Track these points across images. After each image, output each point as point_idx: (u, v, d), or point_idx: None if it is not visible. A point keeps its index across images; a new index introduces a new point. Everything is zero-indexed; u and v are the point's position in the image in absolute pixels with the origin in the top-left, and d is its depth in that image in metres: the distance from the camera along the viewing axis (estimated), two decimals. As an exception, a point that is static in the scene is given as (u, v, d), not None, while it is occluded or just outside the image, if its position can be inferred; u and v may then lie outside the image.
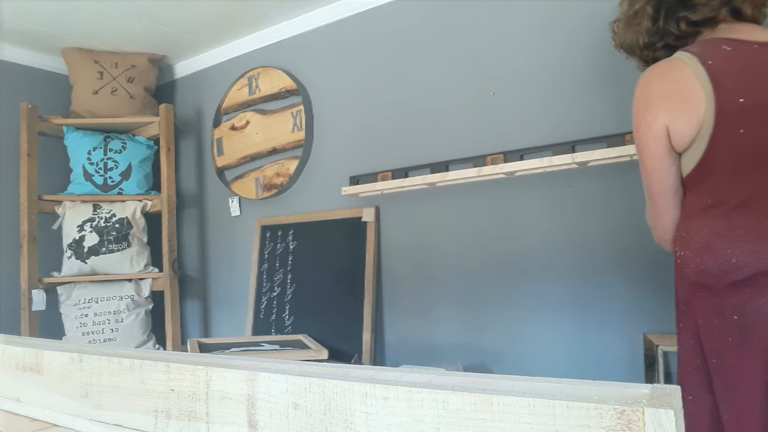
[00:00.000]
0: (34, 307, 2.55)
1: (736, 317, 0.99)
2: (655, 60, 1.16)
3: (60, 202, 2.74)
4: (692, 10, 1.10)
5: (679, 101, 1.04)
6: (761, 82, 1.00)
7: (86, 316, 2.63)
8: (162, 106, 2.84)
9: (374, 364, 2.26)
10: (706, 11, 1.09)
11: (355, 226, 2.40)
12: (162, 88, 3.24)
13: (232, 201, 2.92)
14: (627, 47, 1.23)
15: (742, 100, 0.99)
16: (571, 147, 1.87)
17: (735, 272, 0.99)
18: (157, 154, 2.92)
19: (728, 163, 1.02)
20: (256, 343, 2.22)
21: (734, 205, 1.02)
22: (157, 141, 2.88)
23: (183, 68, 3.19)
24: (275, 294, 2.64)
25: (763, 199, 1.00)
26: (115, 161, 2.82)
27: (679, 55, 1.07)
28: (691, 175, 1.07)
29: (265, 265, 2.71)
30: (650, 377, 1.68)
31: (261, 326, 2.66)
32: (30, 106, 2.66)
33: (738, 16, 1.10)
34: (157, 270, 2.80)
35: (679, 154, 1.09)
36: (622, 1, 1.22)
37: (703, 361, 1.05)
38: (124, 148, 2.85)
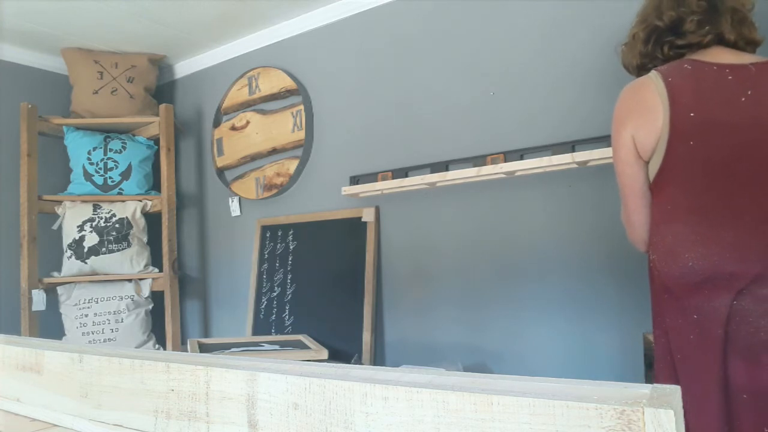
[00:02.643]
0: (34, 307, 2.55)
1: (696, 317, 1.09)
2: None
3: (60, 202, 2.74)
4: (679, 37, 1.21)
5: (641, 114, 1.16)
6: (711, 100, 1.11)
7: (86, 316, 2.63)
8: (162, 106, 2.84)
9: (374, 364, 2.26)
10: (693, 38, 1.19)
11: (355, 226, 2.40)
12: (162, 88, 3.24)
13: (232, 201, 2.92)
14: (626, 66, 1.36)
15: (692, 114, 1.10)
16: (571, 147, 1.87)
17: (692, 275, 1.09)
18: (157, 154, 2.92)
19: (682, 172, 1.13)
20: (256, 343, 2.22)
21: (689, 211, 1.12)
22: (157, 141, 2.88)
23: (183, 68, 3.19)
24: (275, 294, 2.64)
25: (712, 207, 1.10)
26: (115, 161, 2.82)
27: (651, 73, 1.19)
28: (655, 182, 1.18)
29: (265, 265, 2.71)
30: (650, 377, 1.68)
31: (261, 326, 2.66)
32: (30, 106, 2.66)
33: (722, 42, 1.19)
34: (157, 270, 2.80)
35: (647, 163, 1.20)
36: (632, 27, 1.33)
37: (671, 358, 1.15)
38: (124, 148, 2.85)
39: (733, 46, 1.19)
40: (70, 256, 2.68)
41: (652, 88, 1.15)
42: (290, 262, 2.61)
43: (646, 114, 1.15)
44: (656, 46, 1.24)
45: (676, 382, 1.10)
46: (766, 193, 1.07)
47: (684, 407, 1.11)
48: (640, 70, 1.30)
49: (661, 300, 1.17)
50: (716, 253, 1.08)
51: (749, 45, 1.21)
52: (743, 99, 1.09)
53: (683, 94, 1.11)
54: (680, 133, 1.11)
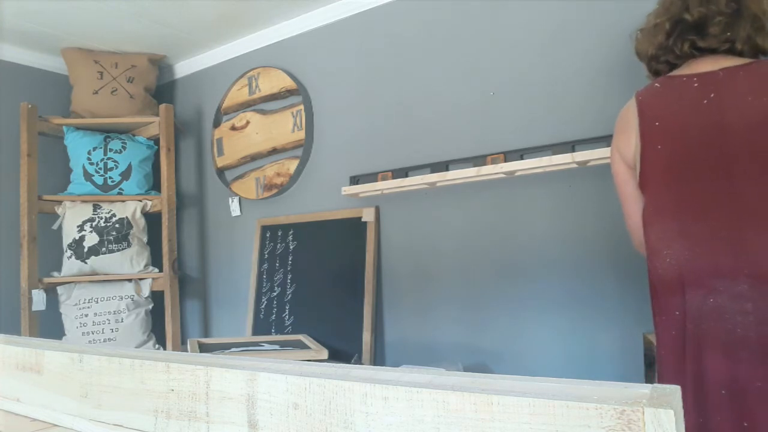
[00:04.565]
0: (34, 307, 2.55)
1: (677, 313, 1.14)
2: (657, 72, 1.33)
3: (60, 202, 2.74)
4: (701, 37, 1.21)
5: (622, 131, 1.28)
6: (675, 107, 1.19)
7: (86, 316, 2.63)
8: (162, 106, 2.84)
9: (374, 364, 2.26)
10: (713, 42, 1.19)
11: (355, 226, 2.40)
12: (162, 88, 3.24)
13: (232, 201, 2.92)
14: (639, 54, 1.37)
15: (657, 123, 1.20)
16: (571, 147, 1.87)
17: (670, 272, 1.15)
18: (157, 154, 2.92)
19: (654, 175, 1.21)
20: (256, 343, 2.22)
21: (664, 210, 1.19)
22: (157, 141, 2.88)
23: (183, 68, 3.19)
24: (275, 294, 2.64)
25: (682, 204, 1.16)
26: (115, 161, 2.82)
27: (633, 97, 1.29)
28: (639, 186, 1.26)
29: (265, 265, 2.71)
30: (650, 377, 1.68)
31: (261, 326, 2.66)
32: (30, 106, 2.66)
33: (734, 52, 1.20)
34: (157, 270, 2.80)
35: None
36: (650, 14, 1.33)
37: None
38: (124, 148, 2.85)
39: (738, 54, 1.20)
40: (70, 256, 2.68)
41: (632, 109, 1.26)
42: (290, 262, 2.61)
43: (626, 131, 1.26)
44: (678, 40, 1.24)
45: (660, 379, 1.18)
46: (734, 189, 1.11)
47: None
48: (651, 60, 1.32)
49: (652, 299, 1.24)
50: (688, 249, 1.13)
51: (755, 52, 1.21)
52: (705, 102, 1.15)
53: (650, 108, 1.21)
54: (648, 141, 1.20)
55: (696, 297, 1.11)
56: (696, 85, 1.18)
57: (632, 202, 1.30)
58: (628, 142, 1.25)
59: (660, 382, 1.18)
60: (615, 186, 1.36)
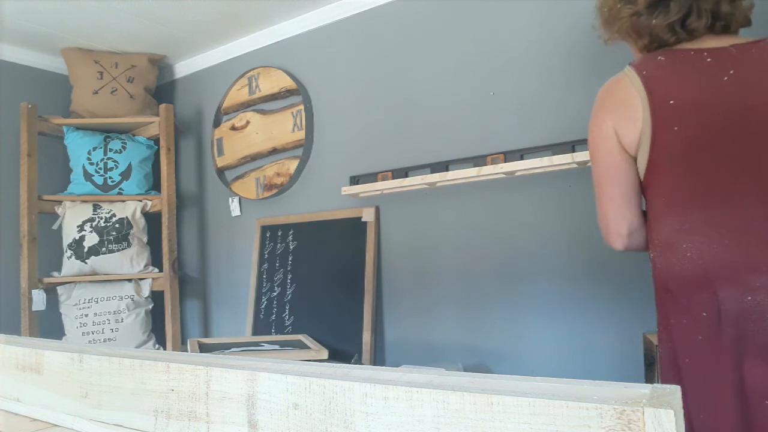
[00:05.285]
0: (34, 307, 2.55)
1: (704, 314, 1.00)
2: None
3: (60, 202, 2.74)
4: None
5: (619, 107, 1.12)
6: (690, 84, 1.06)
7: (86, 316, 2.63)
8: (162, 106, 2.84)
9: (374, 364, 2.26)
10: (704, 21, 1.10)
11: (355, 226, 2.40)
12: (162, 88, 3.24)
13: (233, 201, 2.92)
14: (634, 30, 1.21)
15: (672, 102, 1.05)
16: (571, 147, 1.87)
17: (693, 268, 1.02)
18: (157, 154, 2.92)
19: (670, 161, 1.07)
20: (256, 343, 2.22)
21: (682, 200, 1.06)
22: (157, 141, 2.88)
23: (183, 68, 3.19)
24: (275, 294, 2.64)
25: (707, 192, 1.03)
26: (115, 161, 2.82)
27: (625, 69, 1.15)
28: (645, 177, 1.12)
29: (265, 265, 2.71)
30: (650, 377, 1.68)
31: (261, 326, 2.66)
32: (30, 106, 2.66)
33: (714, 24, 1.11)
34: (157, 270, 2.80)
35: (634, 158, 1.14)
36: None
37: (678, 363, 1.05)
38: (124, 148, 2.85)
39: (724, 27, 1.11)
40: (70, 256, 2.68)
41: (627, 82, 1.11)
42: (290, 262, 2.61)
43: (624, 108, 1.11)
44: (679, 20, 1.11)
45: (685, 391, 1.02)
46: (763, 176, 1.00)
47: (698, 418, 1.02)
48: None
49: (663, 299, 1.10)
50: (716, 241, 1.00)
51: (738, 25, 1.13)
52: (725, 78, 1.04)
53: (660, 84, 1.07)
54: (662, 122, 1.06)
55: (732, 295, 0.97)
56: (709, 60, 1.06)
57: (615, 185, 1.15)
58: (632, 121, 1.09)
59: (687, 396, 1.00)
60: (595, 169, 1.19)
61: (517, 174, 1.99)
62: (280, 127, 2.67)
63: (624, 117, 1.11)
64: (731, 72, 1.04)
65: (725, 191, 1.02)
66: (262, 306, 2.68)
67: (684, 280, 1.03)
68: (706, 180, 1.04)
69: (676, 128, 1.05)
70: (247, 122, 2.81)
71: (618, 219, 1.15)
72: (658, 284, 1.11)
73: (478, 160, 2.08)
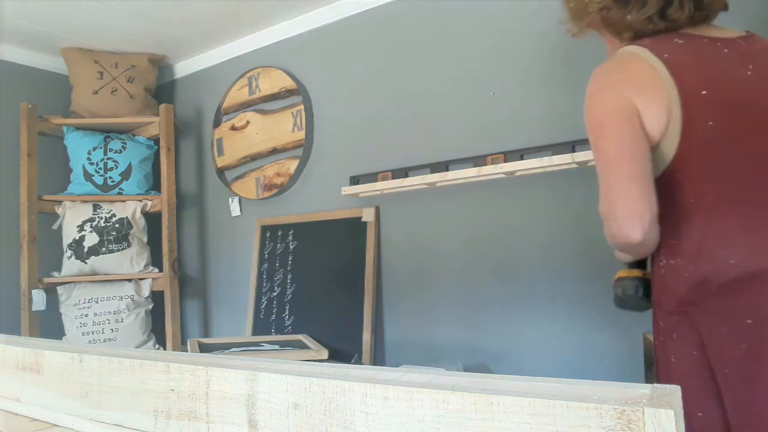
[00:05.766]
0: (34, 307, 2.55)
1: (750, 321, 0.92)
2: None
3: (60, 202, 2.74)
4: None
5: (644, 88, 0.98)
6: (718, 74, 0.97)
7: (86, 316, 2.63)
8: (162, 106, 2.84)
9: (374, 364, 2.26)
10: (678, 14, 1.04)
11: (355, 226, 2.40)
12: (162, 88, 3.24)
13: (232, 201, 2.92)
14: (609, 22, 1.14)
15: (704, 92, 0.95)
16: (571, 147, 1.87)
17: (735, 274, 0.94)
18: (157, 154, 2.92)
19: (704, 158, 0.97)
20: (256, 343, 2.22)
21: (720, 201, 0.97)
22: (157, 141, 2.88)
23: (183, 68, 3.19)
24: (275, 294, 2.64)
25: (747, 193, 0.96)
26: (115, 161, 2.82)
27: (631, 49, 1.03)
28: (668, 172, 1.01)
29: (265, 265, 2.71)
30: (650, 377, 1.68)
31: (261, 326, 2.66)
32: (30, 106, 2.66)
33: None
34: (157, 270, 2.80)
35: (651, 147, 1.02)
36: None
37: (711, 373, 0.97)
38: (124, 148, 2.85)
39: (703, 17, 1.05)
40: (70, 256, 2.68)
41: (644, 63, 0.99)
42: (290, 262, 2.61)
43: (648, 89, 0.98)
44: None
45: (720, 404, 0.96)
46: None
47: (743, 421, 0.97)
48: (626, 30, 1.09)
49: (689, 308, 1.00)
50: (759, 246, 0.93)
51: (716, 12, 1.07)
52: (749, 73, 0.98)
53: (686, 71, 0.97)
54: (695, 114, 0.95)
55: None
56: (726, 51, 1.00)
57: (639, 165, 0.99)
58: (657, 109, 0.97)
59: (734, 411, 0.94)
60: (609, 143, 1.04)
61: (517, 174, 1.99)
62: (280, 127, 2.67)
63: (648, 99, 0.98)
64: (750, 67, 0.98)
65: (764, 194, 0.96)
66: (262, 306, 2.68)
67: (723, 288, 0.95)
68: (747, 180, 0.96)
69: (710, 123, 0.95)
70: (247, 122, 2.81)
71: (642, 202, 0.98)
72: (683, 291, 1.00)
73: (478, 160, 2.08)
